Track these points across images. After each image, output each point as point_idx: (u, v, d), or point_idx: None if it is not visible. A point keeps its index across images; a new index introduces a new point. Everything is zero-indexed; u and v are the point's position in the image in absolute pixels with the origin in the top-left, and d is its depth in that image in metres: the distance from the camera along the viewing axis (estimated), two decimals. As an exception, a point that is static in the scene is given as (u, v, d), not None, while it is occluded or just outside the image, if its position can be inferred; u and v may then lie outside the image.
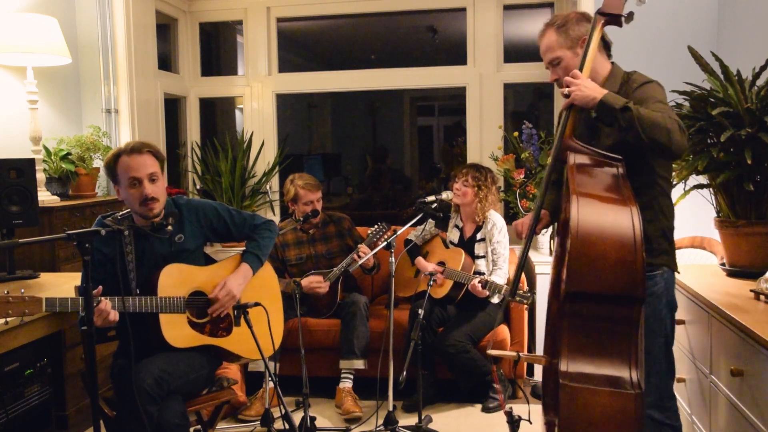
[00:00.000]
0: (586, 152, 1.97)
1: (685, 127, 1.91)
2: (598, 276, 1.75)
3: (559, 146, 2.01)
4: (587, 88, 1.95)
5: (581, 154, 1.97)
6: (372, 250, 3.40)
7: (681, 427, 2.17)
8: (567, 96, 1.98)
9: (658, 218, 2.09)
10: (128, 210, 2.45)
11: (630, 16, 2.05)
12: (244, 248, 2.61)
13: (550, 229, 3.86)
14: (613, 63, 2.16)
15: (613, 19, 2.03)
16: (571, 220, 1.78)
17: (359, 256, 3.41)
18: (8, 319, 2.13)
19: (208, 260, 2.60)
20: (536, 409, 2.47)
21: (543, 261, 3.86)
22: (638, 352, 1.78)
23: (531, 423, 2.27)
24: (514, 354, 2.09)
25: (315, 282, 3.52)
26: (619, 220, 1.78)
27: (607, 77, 2.11)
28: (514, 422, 2.14)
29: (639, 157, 2.00)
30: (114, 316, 2.17)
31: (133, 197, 2.35)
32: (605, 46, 2.15)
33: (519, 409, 2.33)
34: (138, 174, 2.33)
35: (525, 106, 5.16)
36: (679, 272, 2.18)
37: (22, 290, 1.99)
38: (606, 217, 1.79)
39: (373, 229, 3.47)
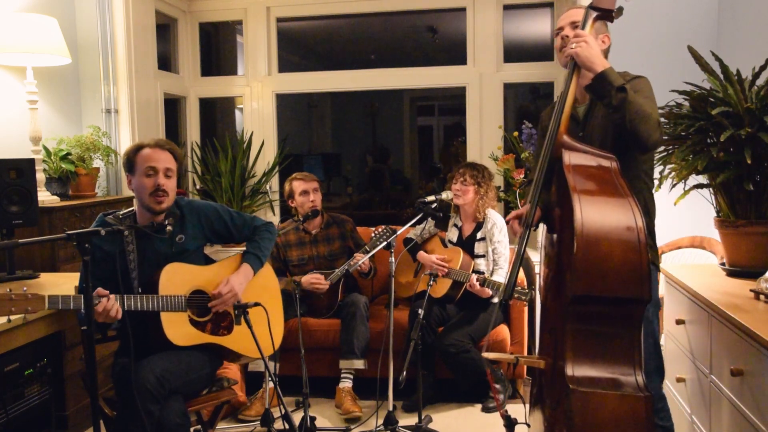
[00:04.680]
0: (581, 150, 1.96)
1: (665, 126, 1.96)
2: (605, 278, 1.72)
3: (552, 144, 2.00)
4: (593, 49, 1.96)
5: (576, 152, 1.95)
6: (369, 254, 3.39)
7: (672, 426, 2.17)
8: (568, 57, 2.00)
9: (644, 215, 2.09)
10: (131, 209, 2.48)
11: (620, 11, 2.06)
12: (244, 249, 2.62)
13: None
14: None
15: (605, 14, 2.05)
16: (575, 221, 1.76)
17: (353, 263, 3.42)
18: (10, 318, 2.14)
19: (208, 261, 2.61)
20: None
21: (543, 261, 3.85)
22: (640, 354, 1.76)
23: (529, 426, 2.26)
24: (512, 357, 2.07)
25: (315, 279, 3.52)
26: (621, 219, 1.76)
27: None
28: (510, 425, 2.13)
29: (625, 152, 2.01)
30: (118, 312, 2.17)
31: (146, 186, 2.38)
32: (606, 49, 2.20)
33: (517, 410, 2.32)
34: (157, 165, 2.40)
35: (525, 106, 5.15)
36: (660, 270, 2.21)
37: (25, 288, 1.99)
38: (610, 216, 1.77)
39: (376, 231, 3.44)
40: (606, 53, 2.19)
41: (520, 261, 2.07)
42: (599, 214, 1.77)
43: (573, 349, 1.77)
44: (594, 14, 2.05)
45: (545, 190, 2.28)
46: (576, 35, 2.00)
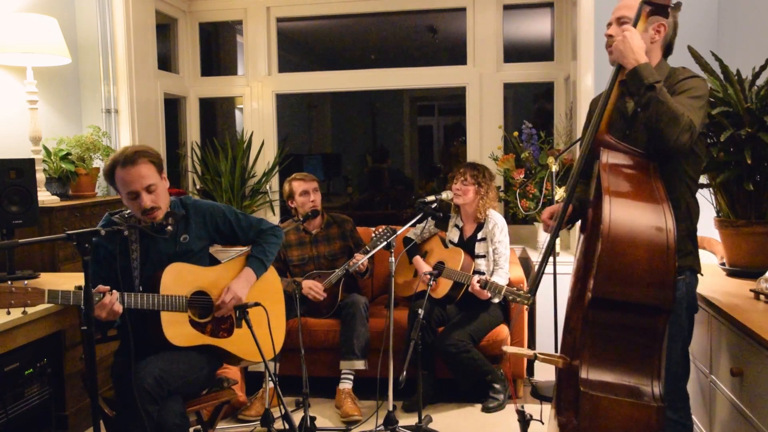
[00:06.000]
0: (620, 149, 1.89)
1: (697, 131, 1.85)
2: (627, 284, 1.67)
3: (592, 140, 1.95)
4: (632, 44, 1.89)
5: (615, 151, 1.88)
6: (369, 254, 3.39)
7: (692, 425, 2.16)
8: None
9: (685, 219, 2.03)
10: None
11: (677, 6, 1.99)
12: (246, 250, 2.62)
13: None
14: (663, 59, 2.12)
15: (659, 9, 1.96)
16: (602, 221, 1.71)
17: (352, 263, 3.42)
18: (10, 317, 2.14)
19: (213, 261, 2.60)
20: (545, 409, 2.44)
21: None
22: (661, 364, 1.71)
23: (543, 423, 2.24)
24: (531, 353, 2.01)
25: (315, 288, 3.52)
26: (652, 225, 1.69)
27: (654, 68, 2.03)
28: (525, 421, 2.10)
29: (669, 155, 1.93)
30: (119, 307, 2.16)
31: (133, 208, 2.37)
32: (667, 46, 2.12)
33: (528, 409, 2.29)
34: (134, 188, 2.29)
35: (525, 106, 5.15)
36: (702, 274, 2.13)
37: (25, 282, 2.00)
38: (640, 221, 1.71)
39: (377, 231, 3.43)
40: (665, 43, 2.09)
41: (547, 258, 2.03)
42: (629, 217, 1.71)
43: (590, 352, 1.73)
44: (647, 9, 1.96)
45: (583, 186, 2.23)
46: (623, 29, 1.93)
